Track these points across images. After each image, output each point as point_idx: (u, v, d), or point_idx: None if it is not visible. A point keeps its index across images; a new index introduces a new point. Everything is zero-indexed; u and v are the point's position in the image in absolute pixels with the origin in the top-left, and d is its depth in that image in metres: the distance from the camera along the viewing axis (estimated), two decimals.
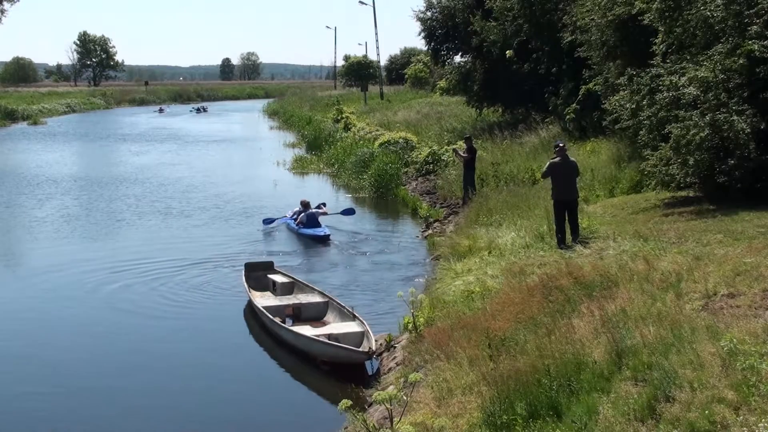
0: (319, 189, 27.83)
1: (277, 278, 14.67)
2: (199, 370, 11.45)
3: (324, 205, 21.93)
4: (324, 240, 19.38)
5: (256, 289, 14.48)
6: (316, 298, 13.63)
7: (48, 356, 11.99)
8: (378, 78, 79.42)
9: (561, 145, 13.69)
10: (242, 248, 18.44)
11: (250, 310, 13.78)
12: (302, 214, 20.40)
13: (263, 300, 13.81)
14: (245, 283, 14.48)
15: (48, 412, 10.03)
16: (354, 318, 12.26)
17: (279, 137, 49.47)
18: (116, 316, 13.71)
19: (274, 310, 13.09)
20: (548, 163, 13.63)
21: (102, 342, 12.60)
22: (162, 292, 14.97)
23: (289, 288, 14.37)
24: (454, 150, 23.30)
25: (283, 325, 12.38)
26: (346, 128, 42.54)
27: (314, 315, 13.18)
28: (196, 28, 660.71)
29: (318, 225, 20.05)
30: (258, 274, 14.98)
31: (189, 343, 12.68)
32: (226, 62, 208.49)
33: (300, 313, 13.23)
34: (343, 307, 12.85)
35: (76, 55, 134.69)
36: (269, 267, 15.29)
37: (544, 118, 28.65)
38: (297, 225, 20.31)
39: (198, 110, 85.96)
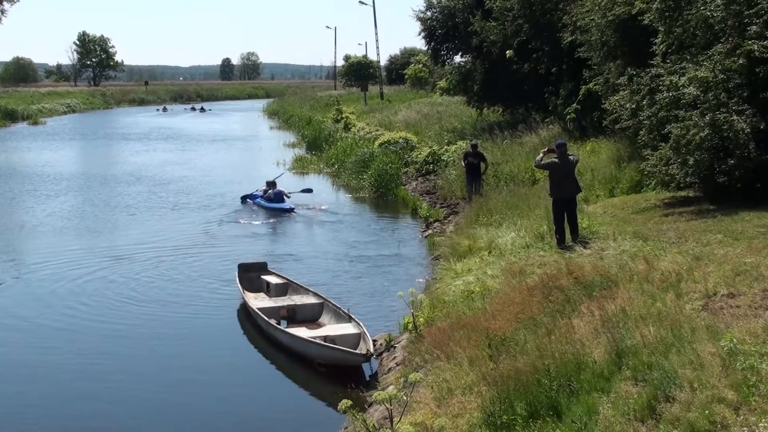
0: (318, 189, 27.80)
1: (271, 279, 14.55)
2: (195, 372, 11.38)
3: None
4: (288, 212, 22.66)
5: (250, 290, 14.32)
6: (311, 300, 13.50)
7: (40, 357, 11.95)
8: (378, 78, 79.43)
9: (563, 145, 13.62)
10: (241, 248, 18.43)
11: (245, 311, 13.70)
12: (270, 191, 23.83)
13: (257, 301, 13.66)
14: (239, 285, 14.37)
15: (44, 413, 10.01)
16: (350, 319, 12.16)
17: (279, 137, 49.43)
18: (109, 318, 13.61)
19: (269, 311, 12.96)
20: (550, 160, 13.50)
21: (96, 343, 12.49)
22: (156, 293, 14.93)
23: (284, 289, 14.24)
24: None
25: (278, 326, 12.26)
26: (346, 128, 42.52)
27: (309, 316, 13.06)
28: (196, 28, 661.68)
29: (283, 200, 23.51)
30: (251, 275, 14.83)
31: (183, 344, 12.60)
32: (226, 62, 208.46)
33: (295, 315, 13.12)
34: (339, 308, 12.74)
35: (75, 55, 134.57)
36: (263, 268, 15.15)
37: (544, 118, 28.61)
38: (265, 200, 23.64)
39: (201, 109, 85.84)
